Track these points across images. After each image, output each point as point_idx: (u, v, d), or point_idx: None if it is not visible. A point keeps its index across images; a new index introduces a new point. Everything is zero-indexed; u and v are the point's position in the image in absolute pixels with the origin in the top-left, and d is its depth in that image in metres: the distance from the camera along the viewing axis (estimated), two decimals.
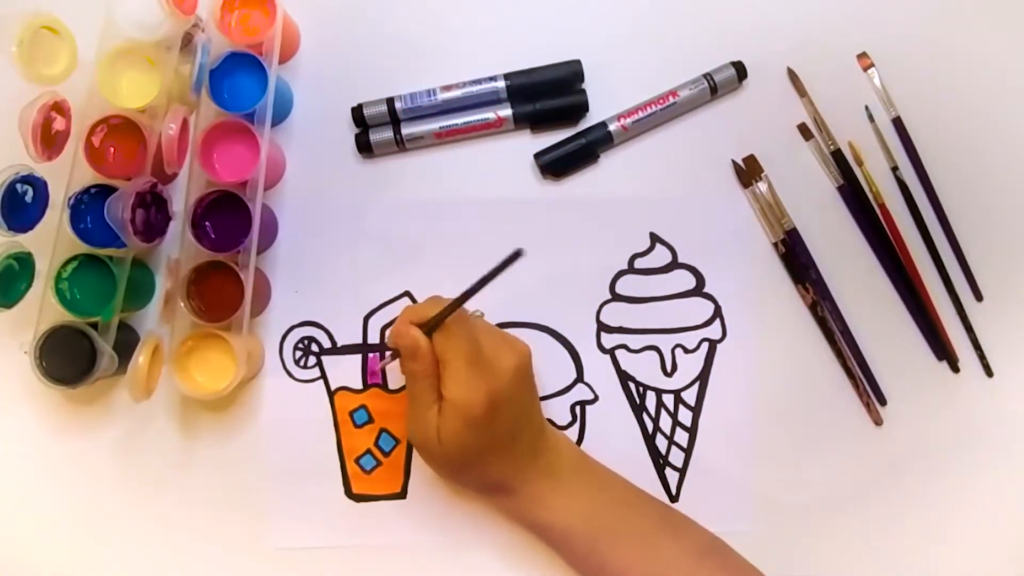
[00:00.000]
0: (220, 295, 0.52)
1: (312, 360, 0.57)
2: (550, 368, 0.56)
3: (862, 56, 0.59)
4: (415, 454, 0.56)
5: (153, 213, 0.52)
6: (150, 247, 0.54)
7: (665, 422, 0.56)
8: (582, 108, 0.58)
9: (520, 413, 0.50)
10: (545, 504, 0.50)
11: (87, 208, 0.52)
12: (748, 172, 0.58)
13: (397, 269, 0.57)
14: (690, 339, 0.57)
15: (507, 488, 0.50)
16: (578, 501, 0.50)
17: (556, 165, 0.57)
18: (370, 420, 0.56)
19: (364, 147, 0.57)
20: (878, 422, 0.56)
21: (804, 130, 0.58)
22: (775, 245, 0.57)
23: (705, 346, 0.57)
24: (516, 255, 0.44)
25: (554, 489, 0.50)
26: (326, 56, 0.59)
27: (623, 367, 0.57)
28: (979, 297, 0.57)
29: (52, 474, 0.56)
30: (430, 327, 0.48)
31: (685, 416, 0.56)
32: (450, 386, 0.47)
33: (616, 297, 0.57)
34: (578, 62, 0.58)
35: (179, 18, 0.52)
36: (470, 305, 0.48)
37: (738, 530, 0.54)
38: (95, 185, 0.52)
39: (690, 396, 0.56)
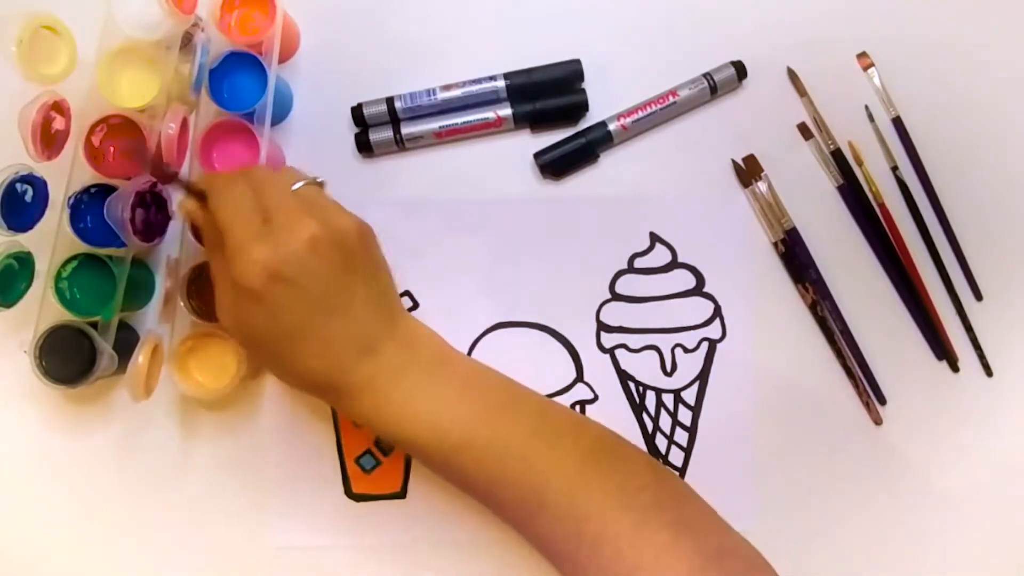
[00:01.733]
0: None
1: None
2: (550, 368, 0.56)
3: (862, 56, 0.59)
4: None
5: (153, 212, 0.52)
6: (150, 247, 0.54)
7: (665, 422, 0.56)
8: (582, 108, 0.58)
9: (325, 294, 0.42)
10: (389, 405, 0.43)
11: (87, 208, 0.52)
12: (748, 172, 0.58)
13: (397, 269, 0.57)
14: (690, 339, 0.57)
15: (335, 388, 0.43)
16: (430, 403, 0.43)
17: (556, 165, 0.57)
18: None
19: (364, 147, 0.57)
20: (878, 422, 0.56)
21: (804, 130, 0.58)
22: (775, 245, 0.57)
23: (705, 346, 0.57)
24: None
25: (402, 393, 0.43)
26: (326, 56, 0.59)
27: (623, 367, 0.57)
28: (979, 297, 0.57)
29: (52, 474, 0.56)
30: (195, 191, 0.43)
31: (685, 416, 0.56)
32: (225, 255, 0.41)
33: (616, 297, 0.57)
34: (578, 61, 0.58)
35: (179, 17, 0.52)
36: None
37: (737, 529, 0.54)
38: (95, 185, 0.52)
39: (690, 396, 0.56)
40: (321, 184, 0.46)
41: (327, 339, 0.42)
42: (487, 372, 0.47)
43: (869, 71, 0.59)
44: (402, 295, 0.57)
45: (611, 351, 0.57)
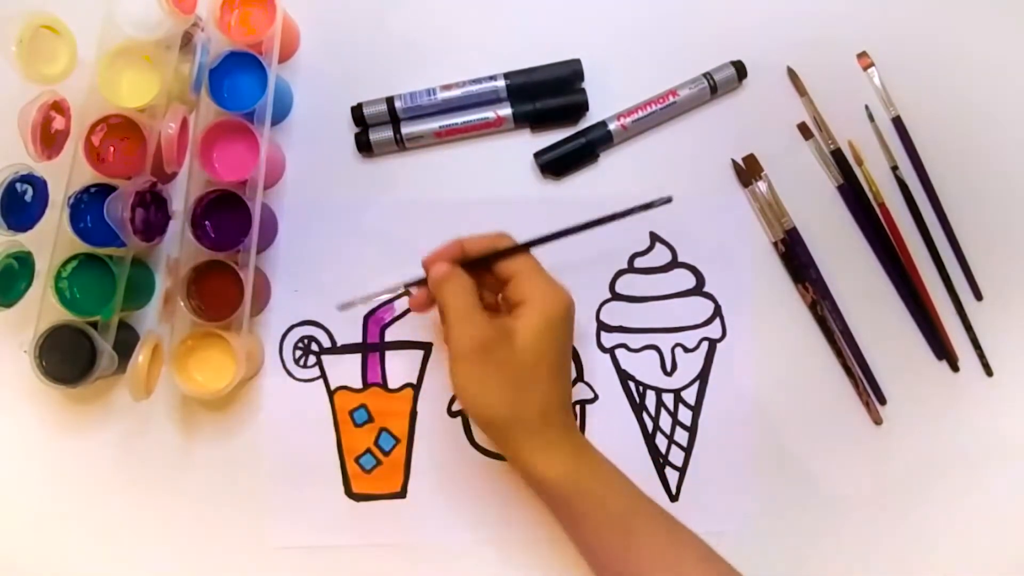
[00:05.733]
0: (220, 294, 0.53)
1: (312, 359, 0.57)
2: None
3: (862, 55, 0.59)
4: (415, 454, 0.56)
5: (153, 212, 0.52)
6: (150, 246, 0.54)
7: (665, 421, 0.56)
8: (582, 107, 0.58)
9: (565, 350, 0.49)
10: (581, 460, 0.48)
11: (87, 207, 0.52)
12: (748, 171, 0.58)
13: (397, 268, 0.57)
14: (690, 338, 0.57)
15: (550, 427, 0.48)
16: (609, 470, 0.49)
17: (556, 164, 0.57)
18: (370, 419, 0.56)
19: (364, 146, 0.57)
20: (878, 421, 0.56)
21: (804, 129, 0.58)
22: (775, 244, 0.57)
23: (705, 345, 0.57)
24: (666, 200, 0.43)
25: (588, 456, 0.49)
26: (326, 56, 0.59)
27: (623, 366, 0.57)
28: (979, 296, 0.57)
29: (52, 474, 0.56)
30: (501, 253, 0.49)
31: (685, 415, 0.56)
32: (530, 288, 0.47)
33: (616, 296, 0.57)
34: (578, 61, 0.58)
35: (179, 17, 0.52)
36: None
37: (738, 529, 0.54)
38: (95, 184, 0.52)
39: (690, 395, 0.56)
40: None
41: (564, 385, 0.49)
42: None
43: (869, 71, 0.59)
44: (402, 294, 0.57)
45: (611, 351, 0.57)
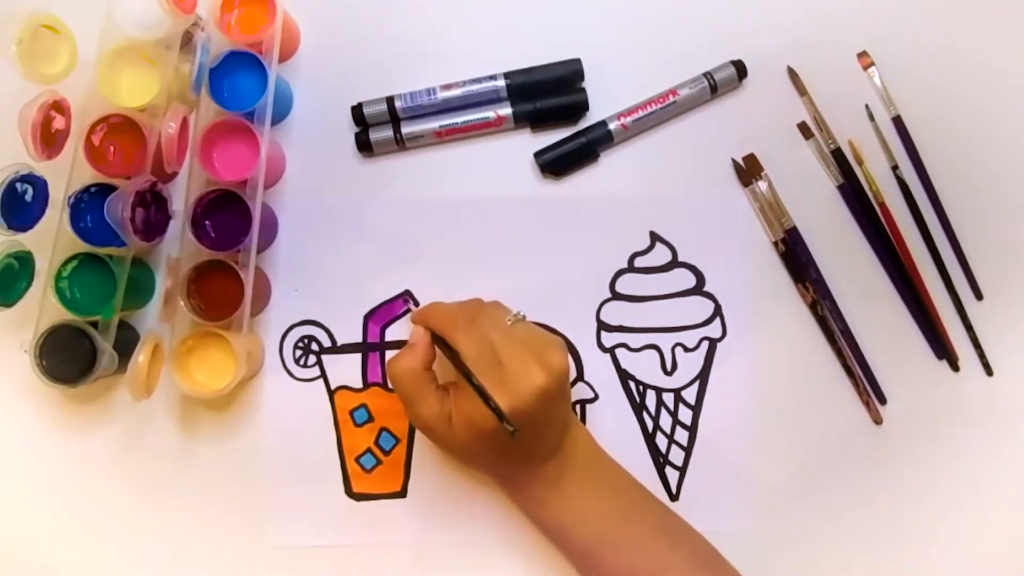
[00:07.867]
0: (220, 294, 0.52)
1: (312, 359, 0.57)
2: None
3: (862, 55, 0.59)
4: (415, 453, 0.56)
5: (153, 212, 0.52)
6: (150, 246, 0.54)
7: (665, 421, 0.56)
8: (582, 107, 0.58)
9: (538, 430, 0.48)
10: (546, 506, 0.50)
11: (87, 207, 0.52)
12: (748, 171, 0.58)
13: (397, 268, 0.57)
14: (690, 338, 0.57)
15: (513, 481, 0.52)
16: (580, 504, 0.50)
17: (556, 164, 0.57)
18: (370, 419, 0.56)
19: (364, 146, 0.57)
20: (878, 421, 0.56)
21: (804, 129, 0.58)
22: (775, 244, 0.57)
23: (705, 345, 0.57)
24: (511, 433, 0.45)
25: (558, 495, 0.50)
26: (326, 55, 0.59)
27: (623, 366, 0.57)
28: (979, 296, 0.57)
29: (52, 474, 0.56)
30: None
31: (685, 415, 0.56)
32: (464, 399, 0.47)
33: (616, 296, 0.57)
34: (578, 61, 0.58)
35: (179, 17, 0.52)
36: (511, 308, 0.51)
37: (738, 529, 0.54)
38: (95, 184, 0.52)
39: (690, 395, 0.56)
40: (524, 317, 0.51)
41: (525, 455, 0.49)
42: (622, 471, 0.53)
43: (869, 70, 0.59)
44: (402, 295, 0.57)
45: (611, 350, 0.57)
